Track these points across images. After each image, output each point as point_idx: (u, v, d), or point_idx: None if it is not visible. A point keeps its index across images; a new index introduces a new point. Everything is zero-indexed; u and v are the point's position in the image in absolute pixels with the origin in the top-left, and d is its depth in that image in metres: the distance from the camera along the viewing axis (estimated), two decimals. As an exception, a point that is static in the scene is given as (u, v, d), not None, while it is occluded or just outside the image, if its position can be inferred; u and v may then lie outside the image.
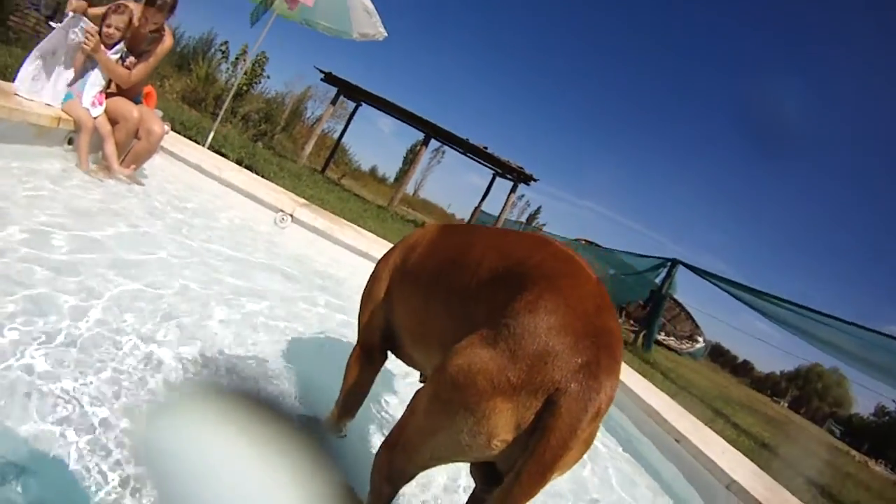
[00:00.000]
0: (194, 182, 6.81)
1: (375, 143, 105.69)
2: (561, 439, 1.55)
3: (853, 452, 31.86)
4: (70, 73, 5.36)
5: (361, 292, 2.68)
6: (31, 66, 5.11)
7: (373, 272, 2.61)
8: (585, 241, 32.93)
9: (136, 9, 5.53)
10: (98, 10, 5.37)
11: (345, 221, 7.58)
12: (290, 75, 49.99)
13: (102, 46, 5.36)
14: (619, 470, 4.61)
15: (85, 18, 5.21)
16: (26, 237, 3.52)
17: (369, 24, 9.44)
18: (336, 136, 32.91)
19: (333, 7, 9.76)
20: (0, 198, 3.89)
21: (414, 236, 2.50)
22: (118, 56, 5.56)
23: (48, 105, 5.23)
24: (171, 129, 6.75)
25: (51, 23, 5.26)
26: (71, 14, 5.13)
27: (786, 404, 55.88)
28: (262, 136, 23.15)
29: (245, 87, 22.53)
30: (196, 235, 5.26)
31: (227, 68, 23.60)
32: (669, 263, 17.97)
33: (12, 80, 5.21)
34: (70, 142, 5.50)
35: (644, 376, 7.69)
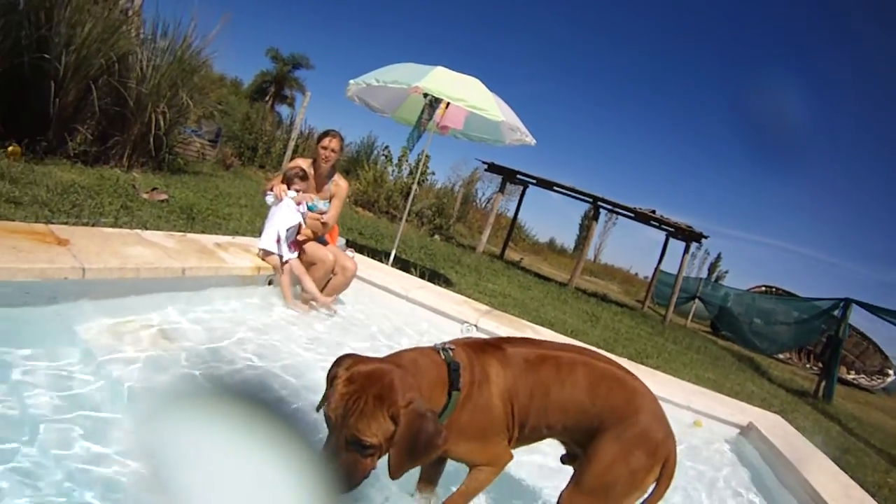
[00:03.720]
0: (385, 302, 7.57)
1: (549, 214, 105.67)
2: (669, 483, 2.98)
3: None
4: (279, 232, 6.50)
5: (471, 427, 2.94)
6: (267, 231, 6.48)
7: (480, 403, 2.92)
8: (765, 288, 32.56)
9: (307, 163, 6.96)
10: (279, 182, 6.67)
11: (525, 322, 8.10)
12: (454, 159, 51.60)
13: (309, 212, 6.75)
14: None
15: (289, 192, 6.50)
16: (248, 356, 4.69)
17: (519, 135, 10.20)
18: (509, 214, 33.63)
19: (483, 124, 10.78)
20: (223, 330, 5.11)
21: (507, 377, 2.97)
22: (313, 208, 6.87)
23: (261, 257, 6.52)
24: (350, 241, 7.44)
25: (267, 196, 6.39)
26: (271, 193, 6.58)
27: None
28: (438, 230, 24.42)
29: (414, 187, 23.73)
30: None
31: (393, 170, 25.15)
32: (843, 304, 17.28)
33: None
34: (270, 282, 6.52)
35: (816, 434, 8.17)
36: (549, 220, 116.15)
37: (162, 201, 9.15)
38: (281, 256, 6.42)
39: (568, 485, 3.04)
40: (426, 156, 21.27)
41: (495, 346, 3.10)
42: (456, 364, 2.83)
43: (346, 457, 2.41)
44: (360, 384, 2.44)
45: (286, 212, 6.43)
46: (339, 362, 2.61)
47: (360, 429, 2.38)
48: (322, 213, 6.93)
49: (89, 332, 4.14)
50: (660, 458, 2.93)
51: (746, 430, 6.63)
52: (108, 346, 4.05)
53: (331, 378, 2.57)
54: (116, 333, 4.26)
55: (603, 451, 2.92)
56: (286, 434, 2.72)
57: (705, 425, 6.51)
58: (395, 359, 2.76)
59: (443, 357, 2.86)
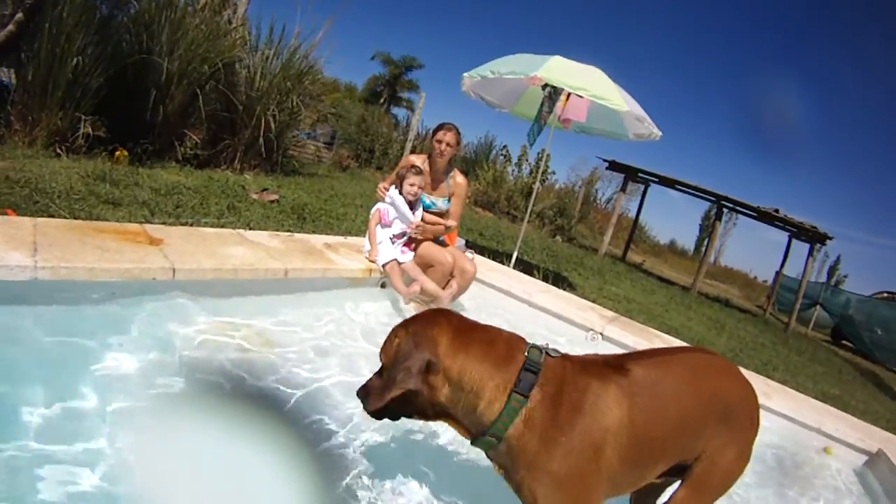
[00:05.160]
0: (507, 307, 7.13)
1: (668, 213, 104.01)
2: None
3: None
4: (390, 233, 6.19)
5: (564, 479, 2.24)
6: (380, 238, 6.17)
7: (576, 445, 2.22)
8: (888, 294, 30.77)
9: (422, 160, 6.66)
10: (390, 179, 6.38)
11: (653, 331, 7.45)
12: (573, 158, 51.46)
13: (426, 224, 6.36)
14: None
15: (404, 205, 6.14)
16: (352, 361, 4.48)
17: (642, 127, 9.82)
18: (629, 214, 33.28)
19: (606, 117, 10.28)
20: (326, 335, 4.82)
21: (626, 407, 2.30)
22: (431, 206, 6.58)
23: (372, 261, 6.15)
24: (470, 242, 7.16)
25: (390, 198, 6.10)
26: (389, 196, 6.18)
27: None
28: (560, 231, 24.12)
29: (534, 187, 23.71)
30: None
31: (513, 170, 25.23)
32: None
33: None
34: (383, 286, 6.19)
35: None
36: (667, 219, 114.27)
37: (272, 202, 9.01)
38: (395, 260, 6.05)
39: (682, 489, 2.68)
40: (546, 154, 20.94)
41: (618, 366, 2.46)
42: (536, 367, 2.26)
43: (373, 379, 2.49)
44: (407, 321, 2.47)
45: (398, 212, 6.13)
46: None
47: (381, 349, 2.44)
48: (440, 211, 6.63)
49: (182, 331, 3.95)
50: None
51: (875, 458, 5.84)
52: (202, 346, 3.89)
53: None
54: (211, 335, 4.06)
55: (725, 454, 2.67)
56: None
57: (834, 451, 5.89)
58: (465, 323, 2.51)
59: (525, 353, 2.32)
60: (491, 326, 2.53)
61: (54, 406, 2.80)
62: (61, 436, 2.63)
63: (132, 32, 9.46)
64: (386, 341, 2.41)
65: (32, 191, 5.92)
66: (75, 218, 5.24)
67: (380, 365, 2.46)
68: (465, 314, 6.18)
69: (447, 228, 6.57)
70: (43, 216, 4.95)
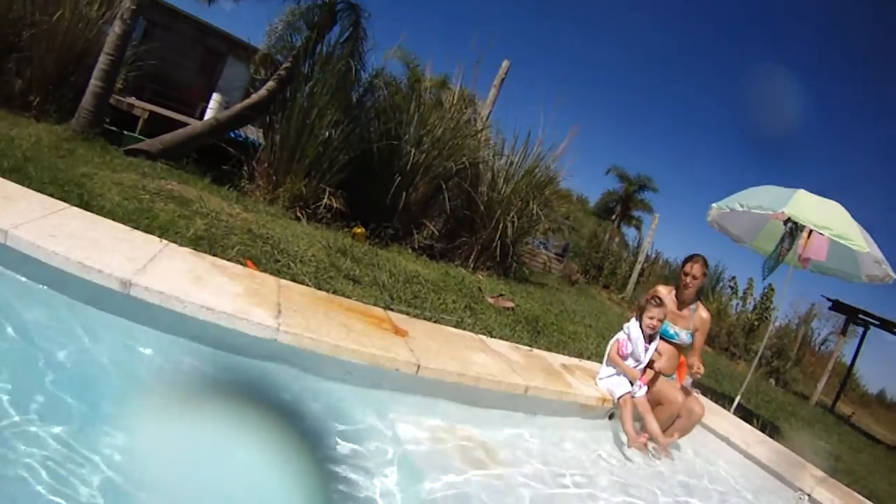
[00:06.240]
0: (720, 453, 6.72)
1: (879, 357, 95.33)
2: None
3: None
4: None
5: None
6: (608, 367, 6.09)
7: None
8: None
9: (667, 290, 6.55)
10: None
11: (857, 496, 6.84)
12: (792, 296, 48.90)
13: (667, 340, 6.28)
14: None
15: (640, 340, 5.95)
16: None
17: (878, 269, 9.21)
18: (843, 359, 31.10)
19: (844, 257, 9.75)
20: (550, 459, 4.61)
21: None
22: (674, 337, 6.36)
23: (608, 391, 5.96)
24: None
25: (627, 329, 6.05)
26: (627, 327, 6.04)
27: None
28: (775, 373, 22.76)
29: (756, 323, 22.93)
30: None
31: (737, 304, 24.30)
32: None
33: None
34: (611, 417, 5.94)
35: None
36: (877, 365, 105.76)
37: (507, 309, 8.93)
38: (630, 394, 5.84)
39: None
40: (776, 291, 20.13)
41: None
42: None
43: None
44: None
45: (633, 346, 5.95)
46: None
47: None
48: (682, 343, 6.42)
49: (412, 427, 3.94)
50: None
51: None
52: (424, 450, 3.82)
53: None
54: (439, 437, 4.02)
55: None
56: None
57: None
58: None
59: None
60: None
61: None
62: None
63: (380, 119, 10.02)
64: None
65: (273, 248, 6.19)
66: (319, 288, 5.35)
67: None
68: (683, 456, 5.94)
69: (689, 367, 6.32)
70: (284, 277, 5.13)
